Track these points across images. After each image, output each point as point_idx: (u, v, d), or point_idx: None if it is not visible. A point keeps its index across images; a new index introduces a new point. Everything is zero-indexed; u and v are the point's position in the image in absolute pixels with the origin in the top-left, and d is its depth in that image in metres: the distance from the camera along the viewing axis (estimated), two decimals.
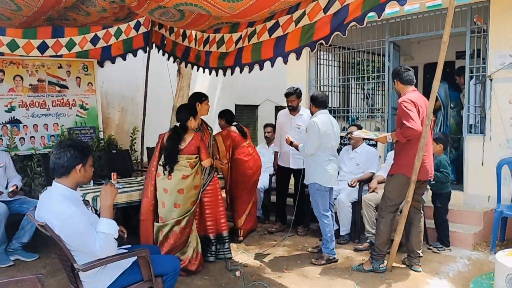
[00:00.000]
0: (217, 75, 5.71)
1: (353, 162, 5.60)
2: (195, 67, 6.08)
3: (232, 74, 5.48)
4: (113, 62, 6.85)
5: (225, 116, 5.50)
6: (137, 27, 6.44)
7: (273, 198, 6.23)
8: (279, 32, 4.40)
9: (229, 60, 5.22)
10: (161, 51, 6.56)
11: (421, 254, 4.42)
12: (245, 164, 5.35)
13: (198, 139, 4.23)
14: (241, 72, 5.30)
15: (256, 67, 4.86)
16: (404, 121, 4.01)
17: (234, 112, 5.87)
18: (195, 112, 4.34)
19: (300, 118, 5.60)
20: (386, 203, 4.33)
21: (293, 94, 5.55)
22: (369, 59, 7.49)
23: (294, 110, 5.63)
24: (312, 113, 4.71)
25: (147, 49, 6.64)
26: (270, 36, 4.52)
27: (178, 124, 4.30)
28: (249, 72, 5.11)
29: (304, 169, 4.86)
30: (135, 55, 6.78)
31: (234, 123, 5.45)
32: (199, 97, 4.77)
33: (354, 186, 5.24)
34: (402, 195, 4.15)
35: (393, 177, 4.27)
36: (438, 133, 5.62)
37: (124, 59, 6.77)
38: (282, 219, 5.94)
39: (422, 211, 4.46)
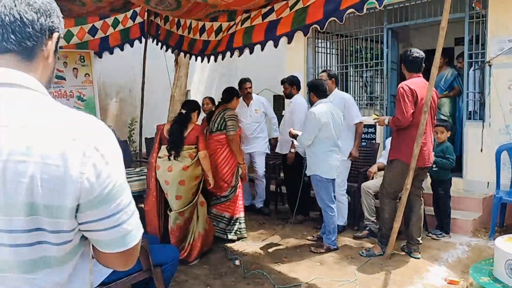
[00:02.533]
0: (208, 62, 5.67)
1: None
2: (193, 57, 6.03)
3: (223, 59, 5.42)
4: (111, 52, 6.81)
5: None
6: (133, 17, 6.39)
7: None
8: (272, 17, 4.35)
9: (222, 45, 5.18)
10: (155, 40, 6.51)
11: (420, 241, 4.43)
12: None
13: (198, 130, 4.34)
14: (231, 56, 5.23)
15: (246, 51, 4.81)
16: (396, 111, 4.02)
17: None
18: (199, 108, 4.61)
19: (289, 106, 5.80)
20: (386, 190, 4.33)
21: (286, 82, 5.69)
22: (367, 47, 7.44)
23: (288, 97, 5.79)
24: (312, 103, 4.65)
25: (144, 39, 6.59)
26: (263, 20, 4.47)
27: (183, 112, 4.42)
28: (239, 56, 5.04)
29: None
30: (132, 45, 6.73)
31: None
32: (237, 93, 5.23)
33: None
34: (402, 182, 4.14)
35: (392, 163, 4.27)
36: (443, 120, 5.61)
37: (122, 49, 6.73)
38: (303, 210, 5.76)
39: (422, 198, 4.46)
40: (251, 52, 4.74)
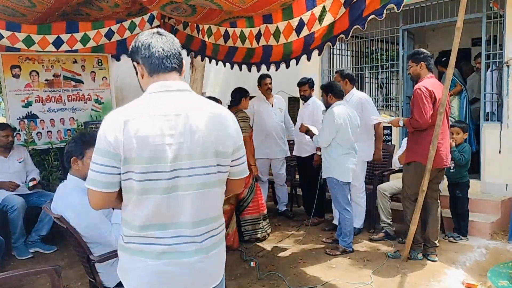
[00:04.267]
0: (240, 70, 5.71)
1: None
2: (213, 61, 6.06)
3: (258, 71, 5.55)
4: (129, 55, 6.88)
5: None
6: (150, 20, 6.43)
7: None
8: (305, 31, 4.37)
9: (256, 57, 5.22)
10: None
11: (437, 244, 4.39)
12: None
13: None
14: (268, 69, 5.35)
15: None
16: (414, 113, 3.98)
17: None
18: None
19: (307, 107, 5.73)
20: (406, 193, 4.31)
21: (306, 84, 5.62)
22: (383, 48, 7.41)
23: (306, 99, 5.73)
24: (328, 104, 4.59)
25: None
26: (298, 36, 4.50)
27: None
28: (276, 70, 5.18)
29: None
30: None
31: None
32: (245, 92, 5.22)
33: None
34: (418, 182, 4.14)
35: (410, 165, 4.24)
36: (461, 121, 5.55)
37: None
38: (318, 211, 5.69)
39: (439, 200, 4.42)
40: (287, 66, 4.93)
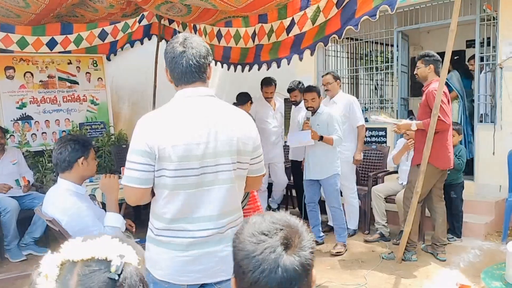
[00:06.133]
0: (235, 71, 5.70)
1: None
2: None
3: (249, 70, 5.51)
4: (115, 54, 6.85)
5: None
6: (140, 20, 6.43)
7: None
8: (296, 30, 4.39)
9: (250, 57, 5.23)
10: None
11: (446, 242, 4.46)
12: None
13: None
14: (259, 69, 5.34)
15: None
16: (440, 114, 3.95)
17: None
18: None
19: (299, 111, 5.59)
20: (412, 194, 4.32)
21: (296, 90, 5.59)
22: (378, 50, 7.43)
23: (297, 104, 5.66)
24: (318, 107, 4.61)
25: (146, 40, 6.62)
26: (288, 35, 4.52)
27: None
28: (267, 70, 5.17)
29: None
30: (132, 46, 6.73)
31: None
32: (250, 97, 5.41)
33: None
34: (429, 185, 4.22)
35: (419, 168, 4.24)
36: (456, 123, 5.58)
37: (121, 49, 6.76)
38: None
39: (443, 200, 4.48)
40: (278, 66, 4.90)
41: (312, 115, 4.60)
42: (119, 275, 0.91)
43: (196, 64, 1.86)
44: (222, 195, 1.84)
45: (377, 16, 3.52)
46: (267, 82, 5.71)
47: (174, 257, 1.83)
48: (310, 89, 4.62)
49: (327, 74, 5.31)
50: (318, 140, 4.47)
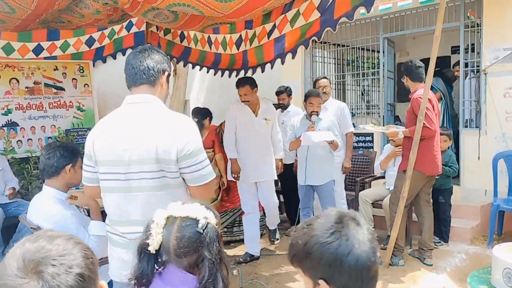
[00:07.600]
0: (222, 75, 5.66)
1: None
2: (196, 67, 6.00)
3: (236, 76, 5.48)
4: (104, 61, 6.82)
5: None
6: (128, 27, 6.40)
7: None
8: (276, 34, 4.40)
9: (238, 63, 5.23)
10: None
11: (433, 247, 4.50)
12: None
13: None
14: (245, 74, 5.31)
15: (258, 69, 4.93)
16: (425, 121, 3.99)
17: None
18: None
19: (287, 114, 5.66)
20: (399, 199, 4.34)
21: (284, 92, 5.66)
22: (364, 56, 7.49)
23: (285, 108, 5.71)
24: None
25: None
26: (268, 39, 4.53)
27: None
28: (252, 74, 5.08)
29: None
30: (124, 54, 6.68)
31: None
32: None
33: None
34: (415, 190, 4.26)
35: (406, 173, 4.27)
36: (446, 128, 5.63)
37: (114, 58, 6.72)
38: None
39: (431, 205, 4.52)
40: (262, 70, 4.74)
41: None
42: (203, 230, 1.44)
43: (145, 67, 2.00)
44: (146, 201, 1.93)
45: (354, 17, 3.51)
46: (240, 82, 4.80)
47: (118, 254, 2.06)
48: (318, 94, 4.66)
49: (323, 78, 5.38)
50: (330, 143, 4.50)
